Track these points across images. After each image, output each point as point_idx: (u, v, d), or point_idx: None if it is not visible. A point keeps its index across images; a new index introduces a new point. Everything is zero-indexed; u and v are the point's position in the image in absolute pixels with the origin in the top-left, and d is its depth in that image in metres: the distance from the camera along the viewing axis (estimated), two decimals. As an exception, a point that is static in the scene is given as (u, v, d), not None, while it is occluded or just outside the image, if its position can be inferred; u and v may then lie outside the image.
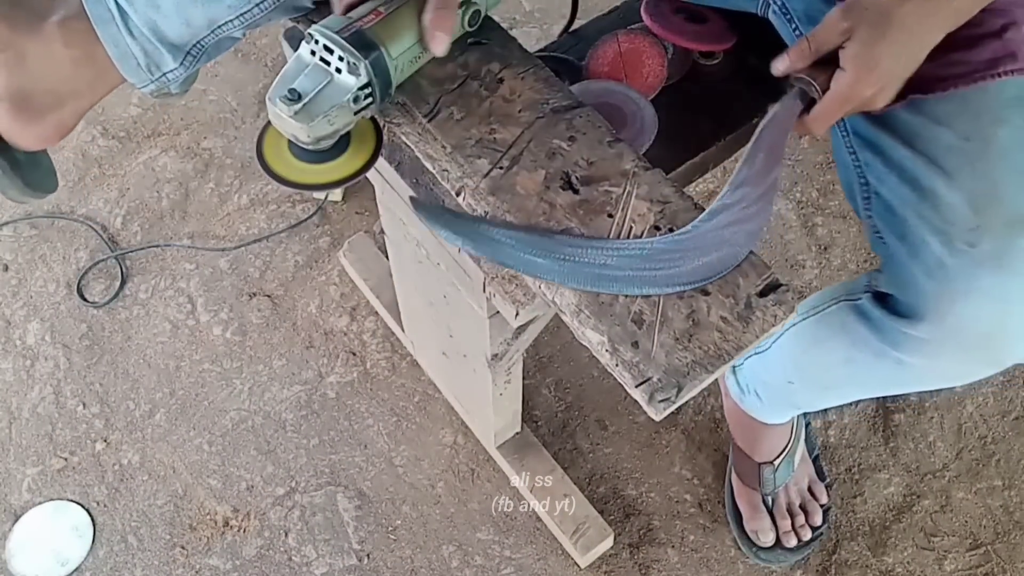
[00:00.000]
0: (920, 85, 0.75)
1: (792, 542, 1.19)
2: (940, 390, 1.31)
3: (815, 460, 1.24)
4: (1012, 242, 0.74)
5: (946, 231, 0.75)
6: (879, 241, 0.82)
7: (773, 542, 1.19)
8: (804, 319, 0.95)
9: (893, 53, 0.69)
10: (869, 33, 0.67)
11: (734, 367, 1.16)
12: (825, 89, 0.70)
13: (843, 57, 0.68)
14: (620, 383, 0.62)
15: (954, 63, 0.75)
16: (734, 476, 1.23)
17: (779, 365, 1.04)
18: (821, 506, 1.21)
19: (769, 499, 1.19)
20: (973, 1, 0.69)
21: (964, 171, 0.74)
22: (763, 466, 1.18)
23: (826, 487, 1.23)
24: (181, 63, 0.70)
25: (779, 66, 0.72)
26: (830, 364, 0.93)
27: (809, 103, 0.71)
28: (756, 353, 1.08)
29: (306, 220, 1.48)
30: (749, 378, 1.13)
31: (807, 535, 1.19)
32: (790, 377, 1.03)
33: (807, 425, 1.25)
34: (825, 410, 1.29)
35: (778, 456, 1.18)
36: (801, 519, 1.20)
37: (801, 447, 1.22)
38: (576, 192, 0.68)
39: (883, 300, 0.83)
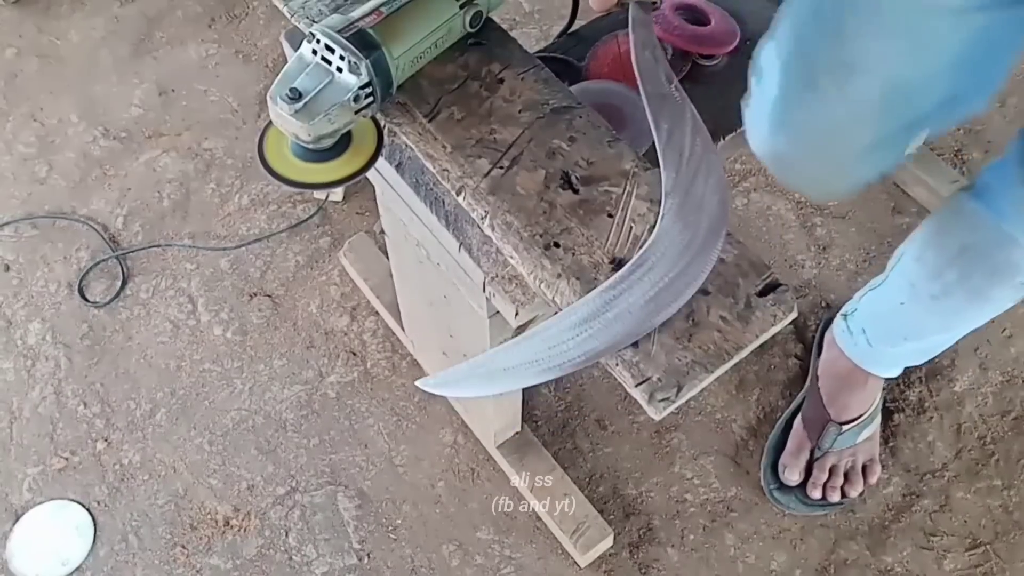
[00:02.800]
0: None
1: (816, 495, 1.20)
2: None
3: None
4: None
5: None
6: None
7: (796, 484, 1.21)
8: (926, 225, 0.99)
9: None
10: None
11: (846, 314, 1.19)
12: None
13: None
14: (620, 383, 0.62)
15: None
16: (799, 418, 1.24)
17: (895, 286, 1.06)
18: (866, 484, 1.22)
19: (818, 452, 1.21)
20: None
21: None
22: (831, 424, 1.20)
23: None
24: None
25: None
26: (946, 262, 0.95)
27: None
28: (871, 290, 1.11)
29: (307, 220, 1.48)
30: (861, 317, 1.15)
31: (834, 497, 1.20)
32: (903, 297, 1.04)
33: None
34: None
35: (849, 423, 1.20)
36: (837, 482, 1.21)
37: (874, 427, 1.23)
38: (576, 192, 0.68)
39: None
